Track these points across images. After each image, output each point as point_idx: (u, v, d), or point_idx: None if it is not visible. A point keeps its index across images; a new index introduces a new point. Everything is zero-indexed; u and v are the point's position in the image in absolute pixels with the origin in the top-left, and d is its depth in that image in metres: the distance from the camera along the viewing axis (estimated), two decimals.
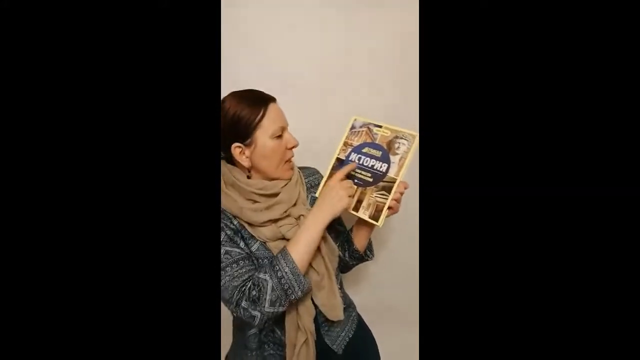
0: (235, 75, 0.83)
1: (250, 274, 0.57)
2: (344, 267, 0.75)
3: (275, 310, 0.56)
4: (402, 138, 0.62)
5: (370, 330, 0.78)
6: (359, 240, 0.70)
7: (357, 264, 0.74)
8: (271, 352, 0.65)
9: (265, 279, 0.55)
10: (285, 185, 0.65)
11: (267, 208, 0.61)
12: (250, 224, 0.62)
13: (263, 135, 0.61)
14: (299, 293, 0.57)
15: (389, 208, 0.60)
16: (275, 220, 0.62)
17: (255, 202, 0.62)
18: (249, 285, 0.56)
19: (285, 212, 0.63)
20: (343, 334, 0.69)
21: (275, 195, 0.63)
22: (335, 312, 0.63)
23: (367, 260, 0.73)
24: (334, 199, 0.58)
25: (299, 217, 0.64)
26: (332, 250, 0.65)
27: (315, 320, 0.64)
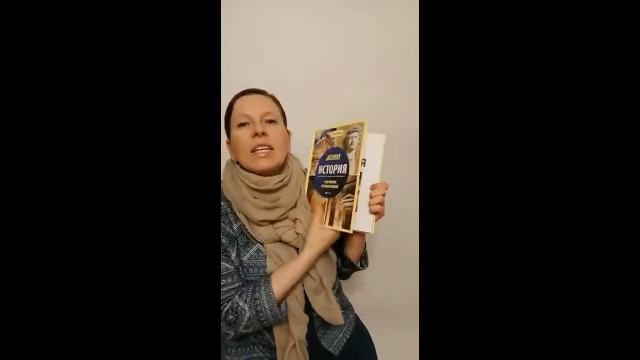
0: (234, 75, 0.83)
1: (230, 294, 0.59)
2: (340, 274, 0.74)
3: (249, 331, 0.60)
4: (353, 131, 0.59)
5: (368, 332, 0.77)
6: (352, 248, 0.68)
7: (350, 272, 0.73)
8: (260, 354, 0.65)
9: (244, 309, 0.57)
10: (282, 184, 0.63)
11: (267, 209, 0.61)
12: (249, 221, 0.62)
13: (233, 127, 0.63)
14: (273, 322, 0.60)
15: (376, 213, 0.57)
16: (273, 222, 0.62)
17: (255, 197, 0.62)
18: (226, 309, 0.58)
19: (283, 215, 0.63)
20: (340, 336, 0.69)
21: (269, 192, 0.62)
22: (334, 315, 0.62)
23: (359, 269, 0.72)
24: (325, 239, 0.60)
25: (295, 220, 0.63)
26: (329, 256, 0.65)
27: (311, 324, 0.64)
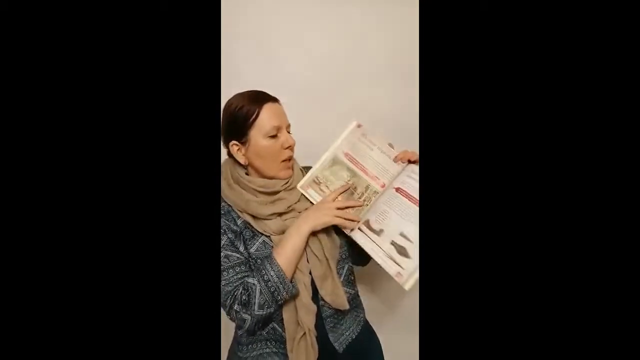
0: (236, 75, 0.84)
1: (242, 280, 0.61)
2: (359, 255, 0.72)
3: (264, 312, 0.60)
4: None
5: (375, 334, 0.77)
6: None
7: None
8: (274, 349, 0.66)
9: (253, 284, 0.60)
10: (287, 185, 0.67)
11: (272, 202, 0.64)
12: (255, 218, 0.64)
13: (257, 134, 0.63)
14: (285, 295, 0.61)
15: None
16: (280, 214, 0.65)
17: (258, 197, 0.65)
18: (240, 290, 0.60)
19: (290, 206, 0.66)
20: (347, 333, 0.69)
21: (276, 193, 0.66)
22: (340, 300, 0.65)
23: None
24: (321, 212, 0.63)
25: (303, 210, 0.66)
26: (333, 240, 0.67)
27: (320, 315, 0.65)
